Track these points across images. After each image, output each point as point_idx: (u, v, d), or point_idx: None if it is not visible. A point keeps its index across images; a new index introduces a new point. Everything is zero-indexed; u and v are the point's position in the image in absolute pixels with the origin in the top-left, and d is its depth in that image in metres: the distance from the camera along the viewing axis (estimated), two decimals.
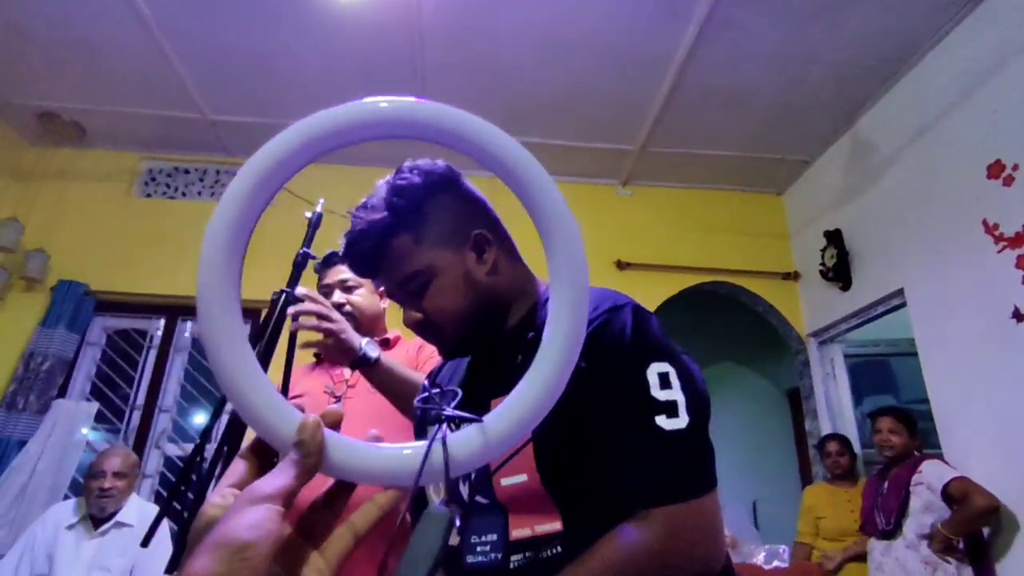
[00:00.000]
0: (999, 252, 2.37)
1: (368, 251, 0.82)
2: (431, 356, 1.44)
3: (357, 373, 1.38)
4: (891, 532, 2.41)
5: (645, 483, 0.65)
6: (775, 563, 2.44)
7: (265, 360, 1.20)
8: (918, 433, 2.61)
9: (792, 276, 3.75)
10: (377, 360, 1.15)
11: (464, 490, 0.74)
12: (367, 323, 1.50)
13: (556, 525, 0.69)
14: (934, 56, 2.78)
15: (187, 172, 3.73)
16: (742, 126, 3.37)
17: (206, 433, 1.20)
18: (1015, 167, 2.33)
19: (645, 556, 0.63)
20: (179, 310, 3.44)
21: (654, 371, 0.68)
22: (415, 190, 0.82)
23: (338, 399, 1.46)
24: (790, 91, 3.08)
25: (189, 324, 3.48)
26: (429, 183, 0.82)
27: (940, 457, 2.51)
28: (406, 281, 0.81)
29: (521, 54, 2.89)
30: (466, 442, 0.39)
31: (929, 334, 2.76)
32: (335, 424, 0.39)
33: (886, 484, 2.51)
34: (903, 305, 2.95)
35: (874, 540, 2.52)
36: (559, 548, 0.68)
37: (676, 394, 0.66)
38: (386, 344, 1.54)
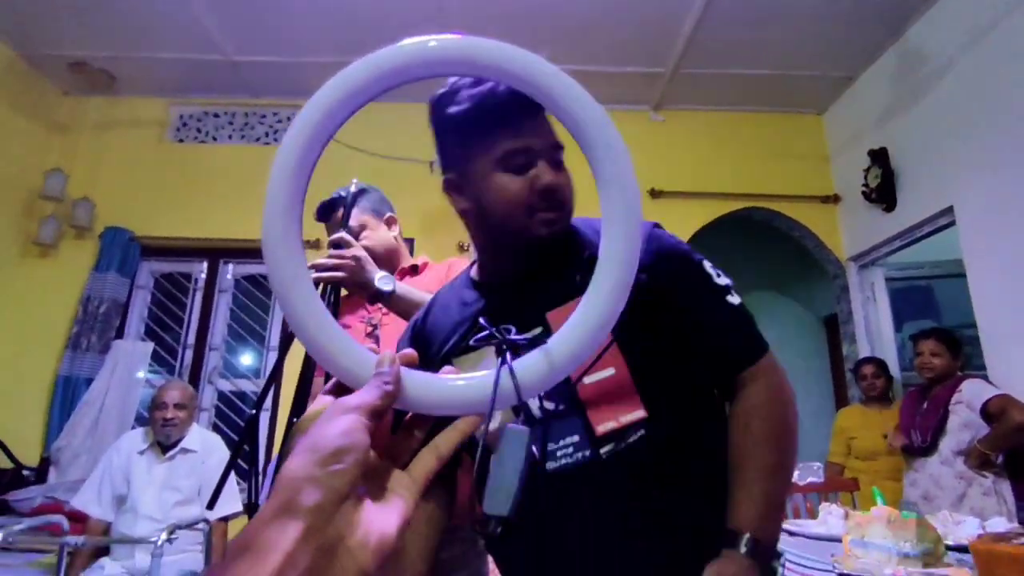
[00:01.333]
0: None
1: (521, 99, 0.68)
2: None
3: None
4: (927, 449, 2.42)
5: (741, 344, 0.82)
6: (809, 479, 2.49)
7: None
8: (961, 355, 2.57)
9: (832, 199, 3.63)
10: (391, 292, 1.21)
11: (534, 403, 0.77)
12: (382, 260, 1.49)
13: (640, 413, 0.75)
14: None
15: (216, 116, 3.74)
16: (780, 42, 3.19)
17: (262, 396, 1.28)
18: None
19: (778, 402, 0.79)
20: (221, 252, 3.54)
21: (707, 266, 0.85)
22: None
23: (374, 327, 1.51)
24: (831, 1, 2.89)
25: (231, 266, 3.60)
26: None
27: (984, 378, 2.48)
28: (559, 147, 0.82)
29: None
30: (533, 366, 0.41)
31: (979, 252, 2.67)
32: (410, 364, 0.41)
33: (925, 403, 2.51)
34: (951, 224, 2.85)
35: (909, 457, 2.54)
36: (643, 431, 0.74)
37: (726, 279, 0.85)
38: (414, 271, 1.55)
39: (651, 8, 2.95)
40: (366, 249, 1.51)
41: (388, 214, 1.59)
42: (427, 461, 0.39)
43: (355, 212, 1.52)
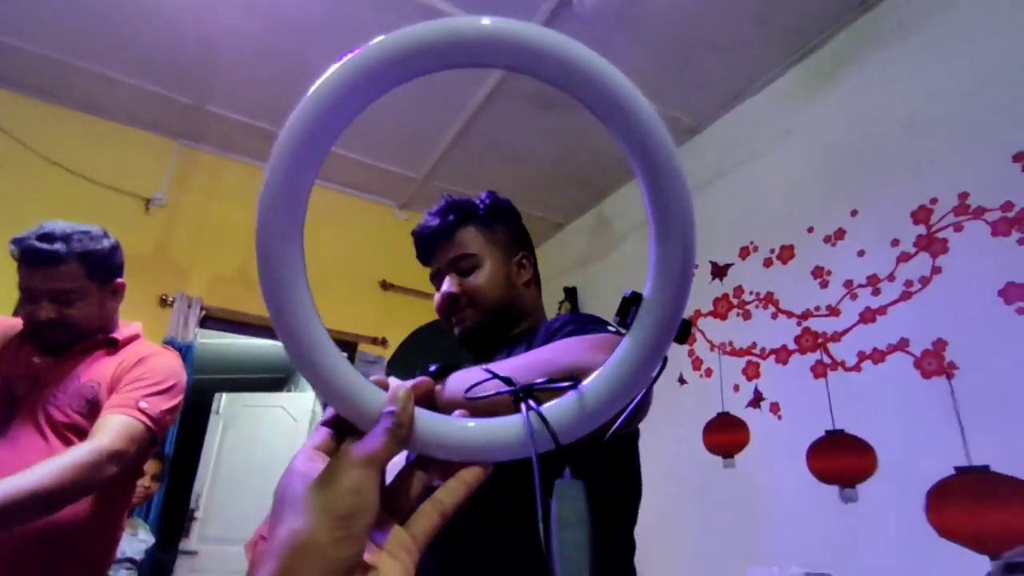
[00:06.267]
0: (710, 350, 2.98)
1: (434, 229, 1.02)
2: (136, 372, 1.25)
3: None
4: None
5: None
6: None
7: None
8: None
9: None
10: None
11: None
12: (90, 331, 1.29)
13: None
14: None
15: None
16: (514, 181, 3.75)
17: None
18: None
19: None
20: None
21: None
22: (495, 205, 1.06)
23: (32, 380, 1.23)
24: (558, 162, 3.55)
25: None
26: (505, 207, 1.08)
27: None
28: (460, 259, 1.00)
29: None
30: (564, 410, 0.36)
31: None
32: (425, 396, 0.37)
33: None
34: None
35: None
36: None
37: None
38: (113, 344, 1.31)
39: (416, 121, 3.24)
40: (74, 320, 1.24)
41: (118, 280, 1.33)
42: (429, 518, 0.34)
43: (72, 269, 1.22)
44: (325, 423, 0.37)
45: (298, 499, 0.29)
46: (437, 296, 1.02)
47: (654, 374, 0.37)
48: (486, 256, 1.01)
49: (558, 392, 0.37)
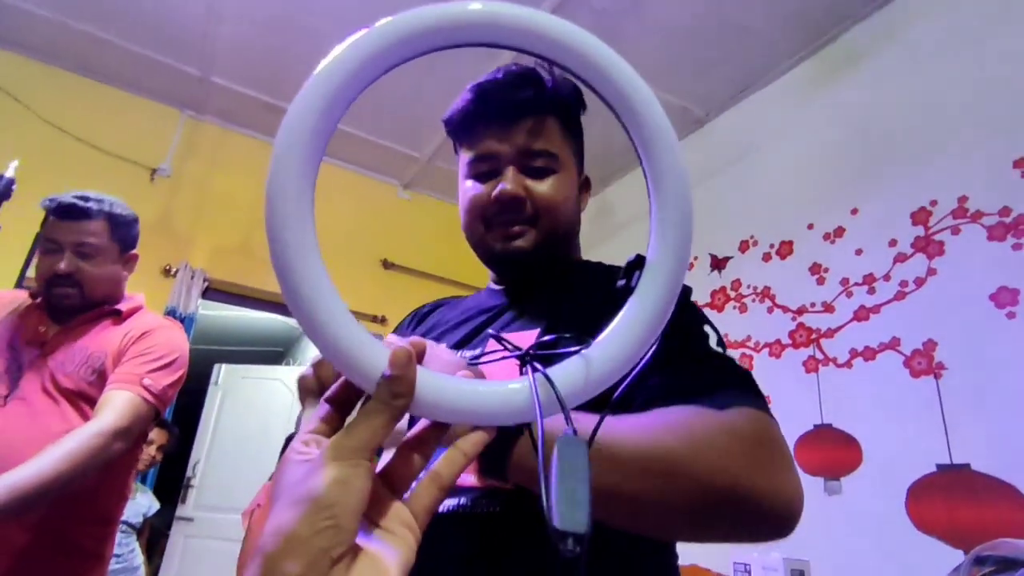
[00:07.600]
0: None
1: (524, 100, 0.72)
2: (140, 345, 1.29)
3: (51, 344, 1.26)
4: None
5: None
6: None
7: None
8: None
9: None
10: None
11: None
12: (99, 296, 1.32)
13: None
14: None
15: None
16: None
17: None
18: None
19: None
20: None
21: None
22: (581, 99, 0.79)
23: (41, 345, 1.27)
24: None
25: None
26: (583, 107, 0.81)
27: None
28: (539, 155, 0.73)
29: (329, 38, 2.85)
30: (570, 374, 0.35)
31: None
32: (422, 355, 0.35)
33: None
34: None
35: None
36: (497, 508, 0.58)
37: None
38: (117, 315, 1.34)
39: (423, 100, 3.23)
40: (88, 278, 1.29)
41: (132, 251, 1.40)
42: (430, 494, 0.33)
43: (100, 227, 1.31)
44: (328, 399, 0.35)
45: (287, 491, 0.29)
46: (492, 189, 0.72)
47: (657, 337, 0.37)
48: (564, 163, 0.75)
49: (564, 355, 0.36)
